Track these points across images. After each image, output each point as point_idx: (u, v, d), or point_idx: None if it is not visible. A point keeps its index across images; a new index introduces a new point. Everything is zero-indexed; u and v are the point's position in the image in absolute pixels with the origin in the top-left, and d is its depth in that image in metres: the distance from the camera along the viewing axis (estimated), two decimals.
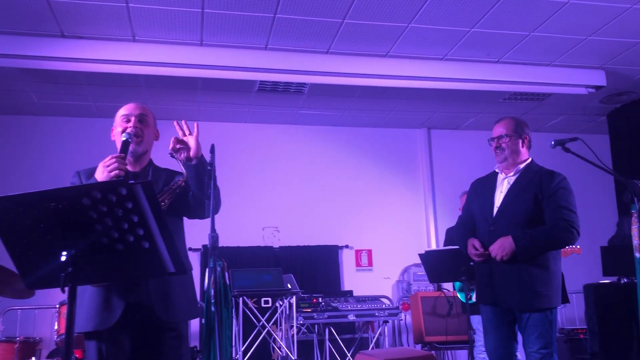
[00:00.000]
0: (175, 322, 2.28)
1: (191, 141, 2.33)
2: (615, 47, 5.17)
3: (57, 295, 4.43)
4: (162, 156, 2.55)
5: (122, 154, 2.22)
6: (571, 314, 6.42)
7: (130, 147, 2.32)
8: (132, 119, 2.41)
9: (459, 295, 4.27)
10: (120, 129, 2.40)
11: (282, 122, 6.89)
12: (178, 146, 2.33)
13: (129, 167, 2.31)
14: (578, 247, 5.03)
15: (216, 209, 2.22)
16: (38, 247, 1.76)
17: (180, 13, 4.42)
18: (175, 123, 2.38)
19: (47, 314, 5.36)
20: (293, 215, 6.67)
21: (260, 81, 5.58)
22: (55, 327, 3.63)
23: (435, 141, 7.30)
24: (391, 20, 4.63)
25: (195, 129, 2.36)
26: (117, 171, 2.12)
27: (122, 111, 2.46)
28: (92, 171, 2.40)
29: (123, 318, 2.18)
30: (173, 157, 2.34)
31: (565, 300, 3.43)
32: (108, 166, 2.14)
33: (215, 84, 5.67)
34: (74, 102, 6.02)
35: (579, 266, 5.56)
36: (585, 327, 4.92)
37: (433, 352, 4.71)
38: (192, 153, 2.31)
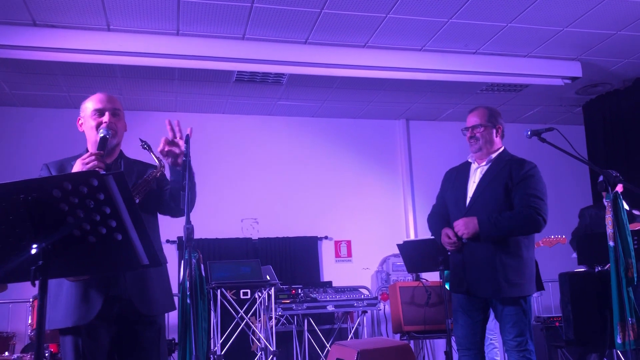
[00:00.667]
0: (153, 315, 2.26)
1: (182, 145, 2.26)
2: (591, 38, 5.23)
3: (31, 290, 4.36)
4: (132, 147, 2.51)
5: (101, 151, 2.18)
6: (547, 302, 6.52)
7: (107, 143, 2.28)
8: (107, 113, 2.35)
9: (446, 285, 4.31)
10: (93, 123, 2.34)
11: (260, 113, 6.85)
12: (167, 149, 2.26)
13: (108, 161, 2.27)
14: (563, 236, 5.10)
15: (191, 203, 2.19)
16: (7, 240, 1.71)
17: (156, 2, 4.34)
18: (167, 122, 2.30)
19: (21, 308, 5.27)
20: (272, 207, 6.65)
21: (238, 71, 5.53)
22: (29, 321, 3.57)
23: (414, 132, 7.32)
24: (369, 11, 4.62)
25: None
26: (96, 169, 2.08)
27: (93, 104, 2.39)
28: (61, 163, 2.36)
29: (102, 312, 2.15)
30: (145, 148, 2.30)
31: (540, 287, 3.48)
32: (87, 163, 2.10)
33: (192, 74, 5.60)
34: (48, 93, 5.90)
35: (555, 255, 5.64)
36: (561, 315, 5.00)
37: (412, 341, 4.75)
38: (180, 159, 2.25)
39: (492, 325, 4.61)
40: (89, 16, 4.50)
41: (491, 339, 4.68)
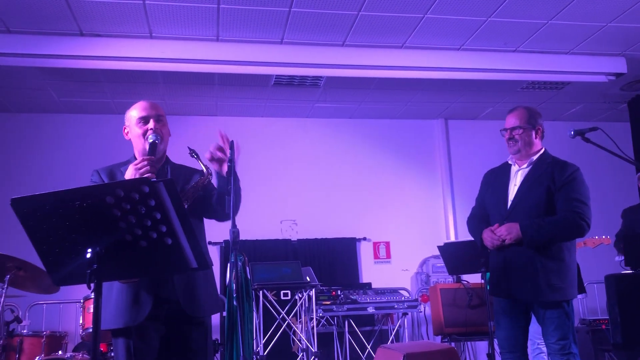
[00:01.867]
0: (200, 317, 2.32)
1: (217, 162, 2.31)
2: (637, 33, 5.09)
3: (81, 290, 4.51)
4: (174, 151, 2.58)
5: (152, 157, 2.25)
6: (593, 304, 6.37)
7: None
8: (151, 120, 2.41)
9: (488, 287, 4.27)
10: (139, 131, 2.41)
11: (298, 115, 6.90)
12: (218, 155, 2.30)
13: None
14: (606, 237, 4.98)
15: (236, 208, 2.24)
16: (64, 244, 1.79)
17: (197, 9, 4.44)
18: (219, 133, 2.34)
19: (71, 308, 5.47)
20: (311, 208, 6.69)
21: (276, 75, 5.60)
22: (80, 321, 3.70)
23: (453, 132, 7.26)
24: (407, 12, 4.61)
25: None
26: (148, 174, 2.15)
27: (137, 112, 2.44)
28: (111, 169, 2.44)
29: (151, 313, 2.22)
30: (193, 156, 2.36)
31: (581, 290, 3.42)
32: (139, 168, 2.17)
33: (231, 79, 5.69)
34: (93, 100, 6.09)
35: (598, 256, 5.51)
36: (607, 317, 4.88)
37: (453, 343, 4.71)
38: (226, 165, 2.29)
39: (539, 328, 4.53)
40: (132, 25, 4.64)
41: (538, 343, 4.61)
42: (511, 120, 3.11)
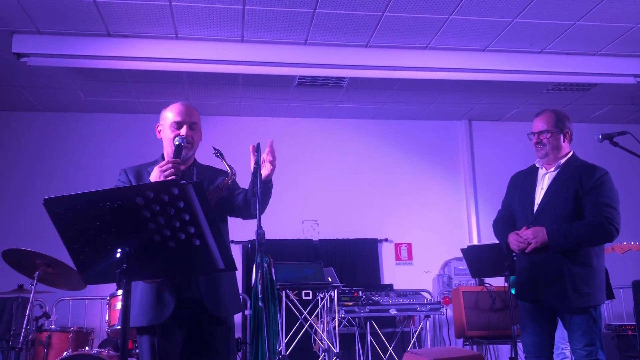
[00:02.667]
0: (223, 316, 2.34)
1: (271, 164, 2.36)
2: None
3: (106, 287, 4.60)
4: (200, 151, 2.60)
5: (177, 159, 2.28)
6: (619, 309, 6.26)
7: (182, 152, 2.38)
8: (185, 126, 2.44)
9: (512, 291, 4.24)
10: (171, 135, 2.45)
11: (321, 116, 6.92)
12: (269, 159, 2.35)
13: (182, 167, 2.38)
14: (636, 243, 4.90)
15: (262, 209, 2.27)
16: (94, 244, 1.83)
17: (222, 10, 4.48)
18: (269, 142, 2.40)
19: (96, 304, 5.56)
20: (332, 209, 6.70)
21: (300, 76, 5.62)
22: (107, 318, 3.76)
23: (477, 133, 7.20)
24: (431, 12, 4.59)
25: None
26: (173, 176, 2.18)
27: (172, 115, 2.48)
28: (138, 169, 2.48)
29: (175, 313, 2.25)
30: (217, 156, 2.39)
31: (610, 296, 3.36)
32: (164, 170, 2.20)
33: (255, 79, 5.73)
34: (120, 99, 6.18)
35: (626, 261, 5.41)
36: (634, 323, 4.80)
37: (475, 347, 4.68)
38: (266, 173, 2.34)
39: (564, 334, 4.48)
40: (159, 26, 4.70)
41: (562, 348, 4.55)
42: (539, 124, 3.08)
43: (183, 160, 2.41)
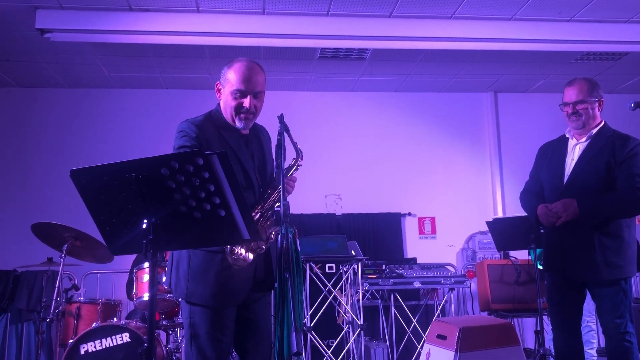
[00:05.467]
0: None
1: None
2: None
3: (130, 260, 4.67)
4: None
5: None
6: None
7: (240, 125, 2.32)
8: (249, 97, 2.27)
9: (538, 264, 4.19)
10: (233, 103, 2.28)
11: (343, 89, 6.85)
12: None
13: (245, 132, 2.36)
14: None
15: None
16: (121, 215, 1.84)
17: None
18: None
19: (124, 278, 5.65)
20: (355, 183, 6.68)
21: (322, 48, 5.55)
22: (134, 290, 3.83)
23: (503, 105, 7.06)
24: None
25: None
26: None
27: (235, 81, 2.26)
28: (201, 122, 2.30)
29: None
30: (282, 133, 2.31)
31: None
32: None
33: (277, 52, 5.68)
34: (143, 74, 6.19)
35: None
36: None
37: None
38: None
39: (589, 306, 4.43)
40: None
41: (588, 321, 4.51)
42: (573, 94, 2.98)
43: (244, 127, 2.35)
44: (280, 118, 2.26)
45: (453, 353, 2.79)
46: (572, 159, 2.96)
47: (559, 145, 3.08)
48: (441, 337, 2.90)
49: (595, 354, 4.61)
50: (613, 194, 2.79)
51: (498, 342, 2.87)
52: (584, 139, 2.97)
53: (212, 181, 1.72)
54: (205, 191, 1.74)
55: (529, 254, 3.84)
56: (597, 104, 2.97)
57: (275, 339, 2.02)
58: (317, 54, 5.72)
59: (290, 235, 2.01)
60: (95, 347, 3.53)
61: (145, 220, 1.80)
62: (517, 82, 6.76)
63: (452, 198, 6.75)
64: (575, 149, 2.99)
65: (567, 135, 3.07)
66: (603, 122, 3.00)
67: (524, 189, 3.23)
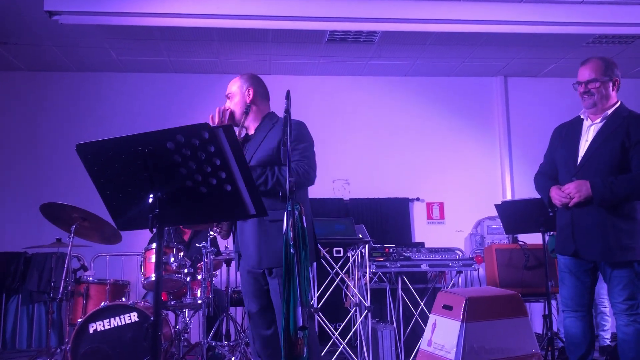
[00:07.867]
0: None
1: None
2: None
3: (141, 244, 4.69)
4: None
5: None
6: None
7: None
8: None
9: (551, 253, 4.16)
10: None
11: (351, 73, 6.81)
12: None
13: (250, 132, 2.76)
14: None
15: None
16: (127, 190, 1.84)
17: None
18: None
19: (132, 260, 5.69)
20: (363, 168, 6.66)
21: (330, 31, 5.51)
22: (142, 270, 3.85)
23: (513, 90, 6.99)
24: None
25: None
26: None
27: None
28: None
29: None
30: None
31: None
32: None
33: (285, 35, 5.64)
34: (151, 58, 6.18)
35: None
36: None
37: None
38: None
39: (600, 288, 4.40)
40: None
41: (601, 304, 4.49)
42: (586, 73, 2.93)
43: (242, 125, 2.75)
44: (287, 94, 2.24)
45: (459, 323, 2.74)
46: (587, 140, 2.91)
47: (574, 127, 3.03)
48: (447, 307, 2.86)
49: (609, 336, 4.59)
50: (627, 175, 2.75)
51: (505, 312, 2.82)
52: (598, 120, 2.92)
53: (218, 155, 1.71)
54: (211, 165, 1.74)
55: (543, 240, 3.81)
56: (610, 84, 2.91)
57: (282, 315, 2.03)
58: (325, 37, 5.68)
59: (296, 212, 2.01)
60: (103, 326, 3.56)
61: (151, 195, 1.80)
62: (527, 66, 6.68)
63: (461, 183, 6.72)
64: (589, 130, 2.94)
65: (581, 117, 3.02)
66: (619, 103, 2.94)
67: (538, 171, 3.19)
